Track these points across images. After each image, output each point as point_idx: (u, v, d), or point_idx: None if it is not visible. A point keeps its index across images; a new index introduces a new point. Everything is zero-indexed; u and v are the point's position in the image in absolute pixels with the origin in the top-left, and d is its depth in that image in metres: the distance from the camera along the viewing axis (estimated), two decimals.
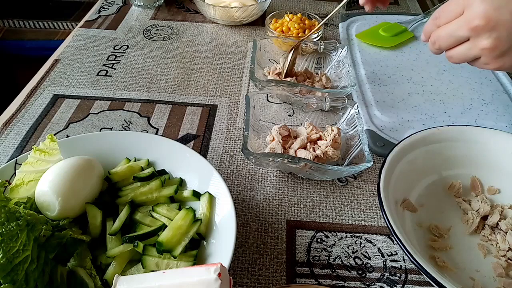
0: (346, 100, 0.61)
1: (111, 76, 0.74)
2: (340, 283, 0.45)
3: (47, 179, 0.44)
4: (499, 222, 0.50)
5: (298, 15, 0.84)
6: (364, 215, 0.53)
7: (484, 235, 0.50)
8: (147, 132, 0.63)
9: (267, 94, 0.67)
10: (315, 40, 0.81)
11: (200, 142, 0.62)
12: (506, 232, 0.49)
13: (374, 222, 0.52)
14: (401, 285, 0.46)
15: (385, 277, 0.46)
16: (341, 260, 0.48)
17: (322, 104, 0.61)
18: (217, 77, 0.76)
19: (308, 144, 0.58)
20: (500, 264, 0.46)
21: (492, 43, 0.41)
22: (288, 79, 0.69)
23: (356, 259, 0.48)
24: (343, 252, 0.49)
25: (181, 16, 0.95)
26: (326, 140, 0.57)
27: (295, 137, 0.59)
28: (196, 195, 0.48)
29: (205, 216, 0.46)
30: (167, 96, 0.70)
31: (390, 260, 0.48)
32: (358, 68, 0.78)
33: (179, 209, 0.47)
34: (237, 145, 0.62)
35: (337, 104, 0.61)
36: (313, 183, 0.57)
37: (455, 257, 0.47)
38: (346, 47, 0.73)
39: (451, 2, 0.44)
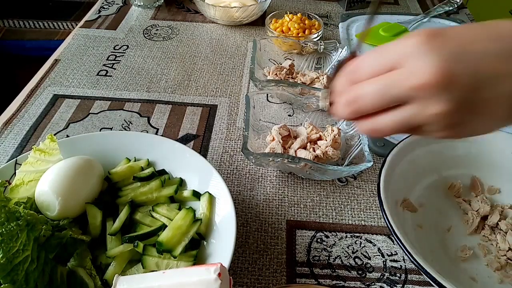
0: None
1: (111, 76, 0.74)
2: (340, 283, 0.45)
3: (47, 179, 0.44)
4: (499, 222, 0.50)
5: (298, 15, 0.84)
6: (364, 215, 0.53)
7: (484, 235, 0.50)
8: (147, 132, 0.63)
9: (267, 94, 0.67)
10: (315, 40, 0.81)
11: (200, 142, 0.62)
12: (506, 232, 0.49)
13: (374, 222, 0.52)
14: (401, 285, 0.46)
15: (385, 277, 0.46)
16: (341, 260, 0.48)
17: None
18: (217, 77, 0.76)
19: (308, 144, 0.58)
20: (498, 261, 0.47)
21: (446, 107, 0.28)
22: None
23: (356, 259, 0.48)
24: (343, 252, 0.49)
25: (181, 16, 0.95)
26: (326, 140, 0.57)
27: (295, 137, 0.59)
28: (196, 195, 0.48)
29: (205, 216, 0.46)
30: (167, 96, 0.70)
31: (390, 260, 0.48)
32: None
33: (179, 209, 0.47)
34: (237, 145, 0.62)
35: None
36: (313, 183, 0.57)
37: (456, 257, 0.47)
38: (346, 47, 0.73)
39: (378, 51, 0.31)
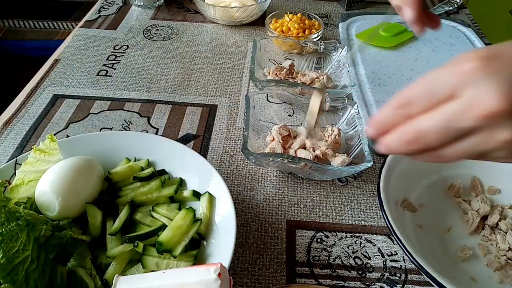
0: (346, 100, 0.61)
1: (111, 76, 0.74)
2: (340, 283, 0.45)
3: (47, 179, 0.44)
4: (499, 222, 0.50)
5: (298, 15, 0.84)
6: (364, 215, 0.53)
7: (484, 235, 0.50)
8: (147, 132, 0.63)
9: (267, 94, 0.67)
10: (315, 40, 0.81)
11: (200, 142, 0.62)
12: (506, 232, 0.49)
13: (374, 222, 0.52)
14: (401, 285, 0.46)
15: (385, 277, 0.46)
16: (341, 260, 0.48)
17: (322, 104, 0.61)
18: (217, 77, 0.76)
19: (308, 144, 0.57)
20: (498, 261, 0.47)
21: None
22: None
23: (356, 259, 0.48)
24: (343, 252, 0.49)
25: (181, 16, 0.95)
26: (327, 141, 0.57)
27: (295, 137, 0.59)
28: (196, 195, 0.48)
29: (205, 216, 0.46)
30: (167, 96, 0.70)
31: (390, 260, 0.48)
32: (358, 68, 0.77)
33: (179, 209, 0.47)
34: (237, 145, 0.62)
35: (337, 104, 0.61)
36: (313, 183, 0.57)
37: (456, 257, 0.47)
38: (346, 47, 0.73)
39: (428, 80, 0.30)
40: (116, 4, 0.99)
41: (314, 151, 0.56)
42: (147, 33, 0.87)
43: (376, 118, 0.32)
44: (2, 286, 0.34)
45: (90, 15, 0.94)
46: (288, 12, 0.85)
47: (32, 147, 0.47)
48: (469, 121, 0.27)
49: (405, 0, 0.45)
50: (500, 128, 0.27)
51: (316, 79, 0.69)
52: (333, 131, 0.57)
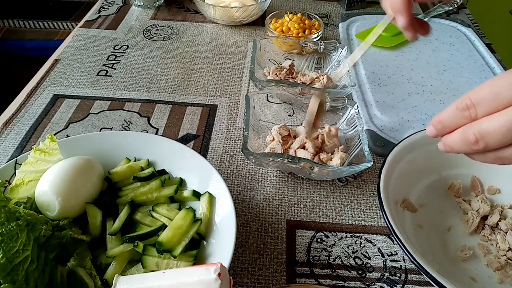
0: (346, 100, 0.61)
1: (111, 76, 0.74)
2: (340, 283, 0.45)
3: (47, 179, 0.44)
4: (499, 222, 0.50)
5: (298, 15, 0.84)
6: (364, 215, 0.53)
7: (484, 235, 0.50)
8: (147, 132, 0.63)
9: (267, 94, 0.67)
10: (315, 40, 0.81)
11: (200, 142, 0.62)
12: (506, 232, 0.49)
13: (374, 222, 0.52)
14: (401, 285, 0.46)
15: (385, 277, 0.46)
16: (341, 260, 0.48)
17: (323, 105, 0.61)
18: (217, 77, 0.76)
19: (307, 143, 0.57)
20: (498, 261, 0.47)
21: None
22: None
23: (356, 259, 0.48)
24: (343, 252, 0.49)
25: (181, 16, 0.95)
26: (317, 139, 0.57)
27: (295, 137, 0.59)
28: (196, 195, 0.48)
29: (205, 216, 0.46)
30: (167, 96, 0.70)
31: (390, 260, 0.48)
32: (358, 68, 0.78)
33: (179, 209, 0.47)
34: (237, 145, 0.62)
35: (337, 104, 0.61)
36: (313, 183, 0.57)
37: (456, 257, 0.47)
38: (346, 47, 0.73)
39: (492, 84, 0.31)
40: (116, 4, 0.99)
41: (313, 156, 0.56)
42: (147, 33, 0.87)
43: (439, 117, 0.34)
44: (2, 286, 0.34)
45: (90, 15, 0.94)
46: (288, 12, 0.85)
47: (32, 147, 0.47)
48: None
49: (397, 9, 0.48)
50: None
51: (316, 79, 0.69)
52: (324, 129, 0.57)
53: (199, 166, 0.49)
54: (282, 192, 0.55)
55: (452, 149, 0.34)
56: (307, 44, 0.76)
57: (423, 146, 0.54)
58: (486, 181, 0.55)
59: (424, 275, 0.40)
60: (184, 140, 0.62)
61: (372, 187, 0.56)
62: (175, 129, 0.64)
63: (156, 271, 0.39)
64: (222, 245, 0.42)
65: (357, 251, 0.49)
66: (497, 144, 0.31)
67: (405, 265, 0.47)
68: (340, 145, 0.57)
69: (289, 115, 0.66)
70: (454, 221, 0.52)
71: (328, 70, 0.74)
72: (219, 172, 0.48)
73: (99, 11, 0.95)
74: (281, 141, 0.57)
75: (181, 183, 0.50)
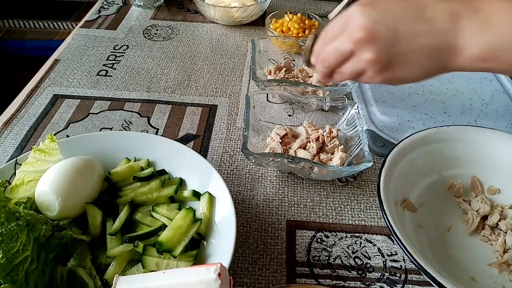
0: (346, 100, 0.61)
1: (111, 76, 0.74)
2: (340, 283, 0.45)
3: (47, 179, 0.44)
4: (499, 222, 0.50)
5: (298, 15, 0.84)
6: (364, 215, 0.53)
7: (484, 235, 0.50)
8: (147, 132, 0.63)
9: (267, 94, 0.67)
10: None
11: (200, 142, 0.62)
12: (506, 232, 0.49)
13: (374, 222, 0.52)
14: (401, 285, 0.46)
15: (385, 277, 0.46)
16: (341, 260, 0.48)
17: (322, 104, 0.61)
18: (217, 77, 0.76)
19: (308, 144, 0.57)
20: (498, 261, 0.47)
21: (373, 55, 0.39)
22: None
23: (356, 259, 0.48)
24: (343, 252, 0.49)
25: (181, 16, 0.95)
26: (333, 155, 0.56)
27: (295, 137, 0.59)
28: (196, 195, 0.48)
29: (205, 216, 0.46)
30: (167, 96, 0.70)
31: (390, 260, 0.48)
32: None
33: (179, 209, 0.47)
34: (237, 145, 0.62)
35: (337, 104, 0.61)
36: (313, 183, 0.57)
37: (456, 256, 0.47)
38: None
39: (336, 19, 0.43)
40: (116, 4, 0.99)
41: (314, 157, 0.55)
42: (147, 33, 0.87)
43: (315, 48, 0.47)
44: (2, 286, 0.34)
45: (90, 15, 0.94)
46: (288, 12, 0.85)
47: (32, 147, 0.47)
48: (347, 45, 0.41)
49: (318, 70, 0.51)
50: (364, 51, 0.40)
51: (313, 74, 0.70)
52: (339, 153, 0.56)
53: (199, 166, 0.49)
54: (282, 192, 0.55)
55: (321, 70, 0.46)
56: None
57: (423, 146, 0.54)
58: (486, 181, 0.55)
59: (424, 275, 0.40)
60: (184, 140, 0.62)
61: (372, 187, 0.56)
62: (175, 129, 0.64)
63: (156, 271, 0.39)
64: (222, 245, 0.42)
65: (357, 251, 0.49)
66: (334, 63, 0.43)
67: (405, 265, 0.47)
68: (340, 145, 0.57)
69: (289, 115, 0.66)
70: (454, 221, 0.52)
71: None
72: (219, 172, 0.48)
73: (99, 11, 0.95)
74: (281, 141, 0.57)
75: (181, 183, 0.50)
